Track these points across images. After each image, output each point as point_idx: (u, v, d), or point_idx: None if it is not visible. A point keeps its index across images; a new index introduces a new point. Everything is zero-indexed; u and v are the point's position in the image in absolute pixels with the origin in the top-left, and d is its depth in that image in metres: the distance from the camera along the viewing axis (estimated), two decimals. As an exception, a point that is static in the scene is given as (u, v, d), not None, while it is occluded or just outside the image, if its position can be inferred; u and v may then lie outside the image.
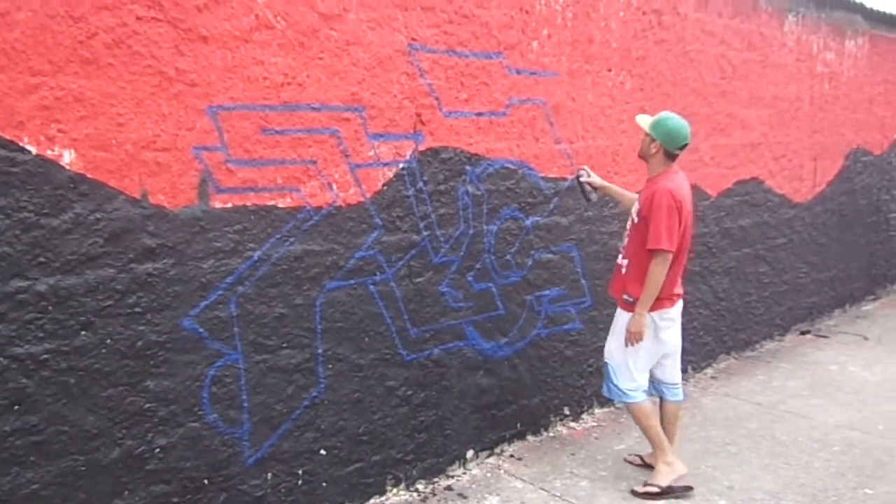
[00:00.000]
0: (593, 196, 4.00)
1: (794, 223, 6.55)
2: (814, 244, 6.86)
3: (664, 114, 3.70)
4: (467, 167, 3.82)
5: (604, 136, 4.57)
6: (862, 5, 7.11)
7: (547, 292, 4.34)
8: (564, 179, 4.35)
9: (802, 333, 6.75)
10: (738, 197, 5.82)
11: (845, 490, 3.78)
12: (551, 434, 4.46)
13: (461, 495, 3.71)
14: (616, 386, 3.78)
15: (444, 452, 3.89)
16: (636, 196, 3.92)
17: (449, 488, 3.78)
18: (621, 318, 3.75)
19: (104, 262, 2.65)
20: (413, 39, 3.50)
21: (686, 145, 3.63)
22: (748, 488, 3.80)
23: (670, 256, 3.54)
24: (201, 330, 2.92)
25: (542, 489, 3.77)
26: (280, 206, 3.11)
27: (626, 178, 4.77)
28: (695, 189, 5.29)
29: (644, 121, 3.70)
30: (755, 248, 6.10)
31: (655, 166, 3.67)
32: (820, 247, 6.96)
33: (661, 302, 3.65)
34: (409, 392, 3.70)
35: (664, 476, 3.73)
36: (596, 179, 3.97)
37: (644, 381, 3.78)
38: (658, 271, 3.52)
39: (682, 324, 5.28)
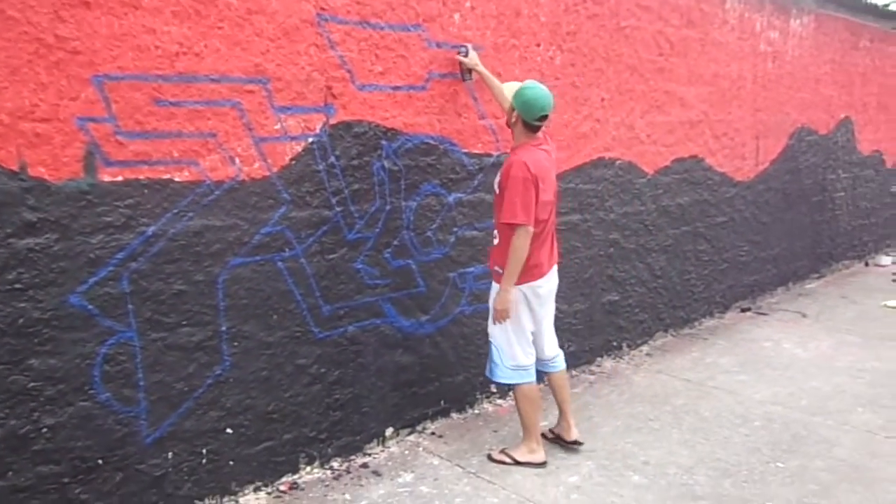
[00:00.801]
0: (468, 76, 4.05)
1: (736, 202, 6.57)
2: (756, 223, 6.90)
3: (527, 83, 3.59)
4: (383, 142, 3.75)
5: (532, 112, 4.51)
6: (808, -16, 7.11)
7: (471, 269, 4.31)
8: (489, 155, 4.30)
9: (743, 311, 6.81)
10: (676, 175, 5.81)
11: (758, 464, 3.81)
12: (476, 411, 4.45)
13: (375, 473, 3.69)
14: (497, 365, 3.74)
15: (360, 430, 3.86)
16: (503, 88, 3.88)
17: (364, 466, 3.76)
18: (493, 291, 3.71)
19: (-22, 237, 2.56)
20: (322, 9, 3.41)
21: (544, 117, 3.52)
22: (664, 463, 3.82)
23: (531, 230, 3.48)
24: (91, 307, 2.84)
25: (458, 466, 3.76)
26: (177, 179, 3.03)
27: (557, 155, 4.72)
28: (630, 166, 5.30)
29: (511, 89, 3.62)
30: (694, 226, 6.12)
31: (517, 136, 3.61)
32: (762, 225, 7.00)
33: (528, 274, 3.60)
34: (323, 370, 3.65)
35: (522, 455, 3.77)
36: (469, 61, 3.98)
37: (527, 361, 3.73)
38: (520, 245, 3.46)
39: (615, 301, 5.33)
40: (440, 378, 4.23)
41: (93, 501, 2.93)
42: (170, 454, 3.14)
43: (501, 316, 3.59)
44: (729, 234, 6.55)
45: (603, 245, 5.22)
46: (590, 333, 5.23)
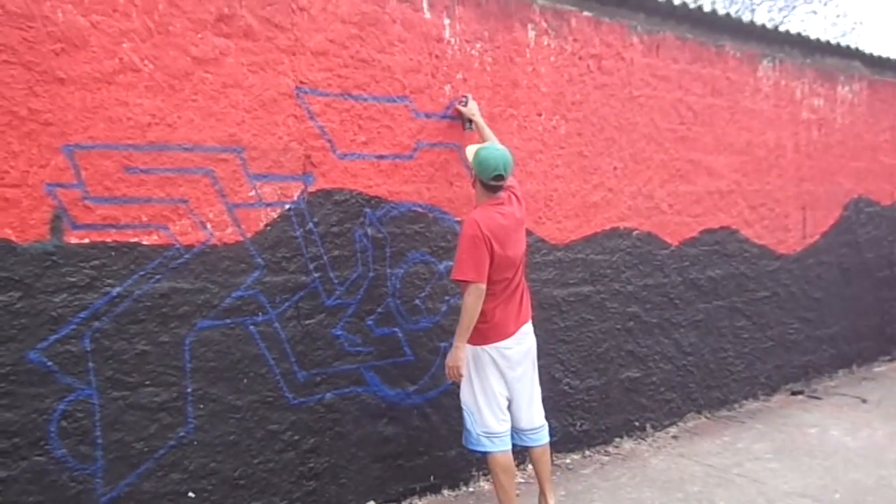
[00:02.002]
0: (468, 125, 4.08)
1: (780, 275, 6.21)
2: (807, 299, 6.47)
3: (486, 144, 3.65)
4: (366, 209, 3.79)
5: (534, 181, 4.47)
6: (860, 51, 6.85)
7: (465, 339, 4.21)
8: (485, 224, 4.26)
9: (794, 394, 6.31)
10: (705, 246, 5.57)
11: (762, 562, 3.45)
12: (471, 489, 4.26)
13: (346, 548, 3.57)
14: (469, 432, 3.60)
15: (337, 502, 3.76)
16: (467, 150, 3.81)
17: (336, 540, 3.65)
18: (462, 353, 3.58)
19: (-58, 293, 2.73)
20: (301, 83, 3.54)
21: (499, 176, 3.48)
22: (656, 555, 3.52)
23: (483, 287, 3.40)
24: (50, 363, 2.94)
25: (433, 545, 3.60)
26: (145, 242, 3.15)
27: (563, 224, 4.65)
28: (651, 237, 5.13)
29: (471, 151, 3.64)
30: (730, 300, 5.80)
31: (477, 196, 3.64)
32: (815, 301, 6.56)
33: (493, 334, 3.51)
34: (297, 437, 3.61)
35: None
36: (467, 111, 4.02)
37: (499, 428, 3.56)
38: (470, 303, 3.40)
39: (636, 378, 5.07)
40: (430, 452, 4.10)
41: (44, 559, 2.96)
42: (126, 515, 3.15)
43: (452, 374, 3.52)
44: (773, 310, 6.17)
45: (620, 318, 5.02)
46: (606, 412, 4.97)
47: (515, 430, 3.67)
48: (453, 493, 4.20)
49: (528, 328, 3.69)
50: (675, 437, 5.26)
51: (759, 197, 5.97)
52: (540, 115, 4.51)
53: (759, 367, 6.10)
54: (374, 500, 3.90)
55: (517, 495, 4.12)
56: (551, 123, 4.57)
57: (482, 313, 3.48)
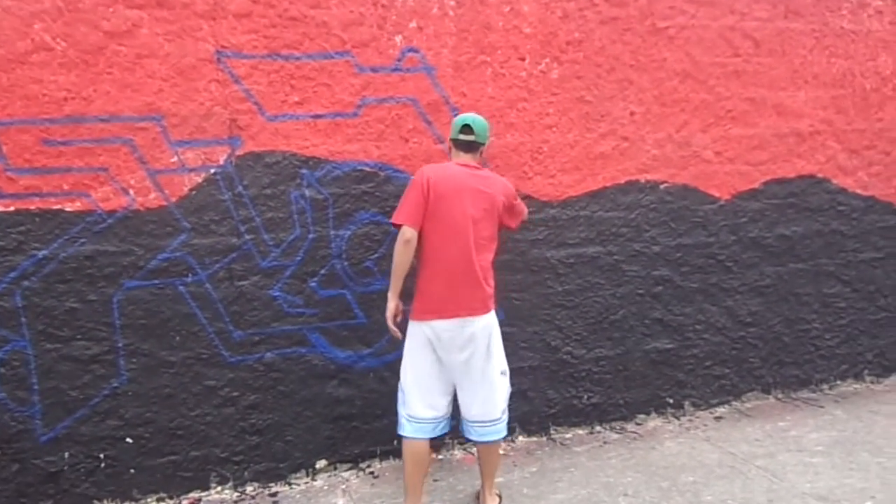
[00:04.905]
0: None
1: (898, 233, 5.07)
2: (945, 261, 5.22)
3: None
4: (303, 171, 3.75)
5: (517, 133, 4.09)
6: None
7: (431, 303, 4.02)
8: (452, 181, 4.00)
9: (918, 377, 5.18)
10: (774, 199, 4.71)
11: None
12: (441, 457, 4.12)
13: None
14: (398, 411, 3.39)
15: (284, 458, 3.85)
16: None
17: (273, 495, 3.74)
18: None
19: None
20: (223, 47, 3.57)
21: (466, 127, 3.36)
22: (577, 549, 3.16)
23: (410, 233, 3.17)
24: (-15, 318, 3.36)
25: (357, 510, 3.56)
26: (68, 209, 3.42)
27: (557, 178, 4.21)
28: (687, 190, 4.49)
29: None
30: (816, 262, 4.87)
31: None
32: (960, 265, 5.26)
33: (428, 309, 3.25)
34: (235, 393, 3.74)
35: None
36: None
37: (424, 414, 3.30)
38: (397, 248, 3.21)
39: (668, 350, 4.57)
40: (390, 416, 4.00)
41: (-7, 485, 3.43)
42: (66, 454, 3.51)
43: (388, 325, 3.35)
44: (887, 274, 5.07)
45: (642, 282, 4.45)
46: (624, 385, 4.48)
47: (464, 420, 3.42)
48: (419, 460, 4.08)
49: (482, 320, 3.28)
50: (718, 417, 4.60)
51: (864, 138, 4.89)
52: (523, 59, 4.08)
53: (866, 343, 5.08)
54: (327, 458, 3.93)
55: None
56: (539, 68, 4.12)
57: (416, 282, 3.30)
